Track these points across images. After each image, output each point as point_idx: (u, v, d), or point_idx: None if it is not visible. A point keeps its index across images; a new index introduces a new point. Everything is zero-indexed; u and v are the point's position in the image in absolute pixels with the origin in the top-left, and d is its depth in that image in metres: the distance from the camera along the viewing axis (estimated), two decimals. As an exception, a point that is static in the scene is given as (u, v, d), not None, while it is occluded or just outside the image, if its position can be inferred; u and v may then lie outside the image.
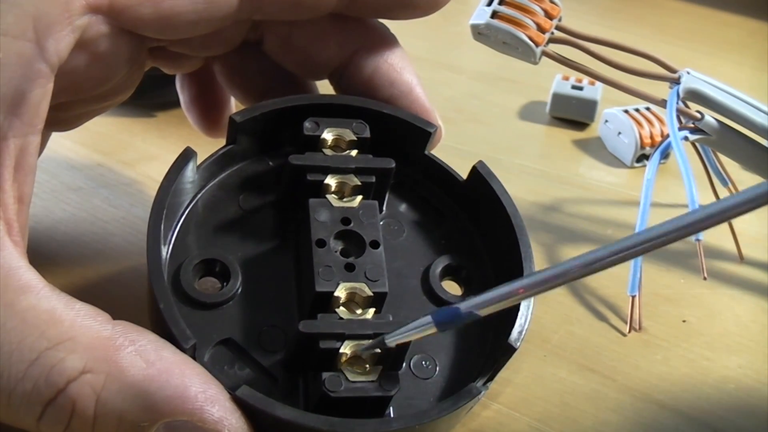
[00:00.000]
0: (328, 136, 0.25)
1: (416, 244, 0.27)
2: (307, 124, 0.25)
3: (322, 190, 0.25)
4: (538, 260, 0.35)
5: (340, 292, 0.23)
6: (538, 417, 0.27)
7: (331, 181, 0.25)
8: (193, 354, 0.21)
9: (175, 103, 0.34)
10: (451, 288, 0.26)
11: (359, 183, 0.25)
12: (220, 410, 0.20)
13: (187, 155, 0.24)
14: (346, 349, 0.22)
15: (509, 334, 0.24)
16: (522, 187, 0.40)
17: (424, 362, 0.24)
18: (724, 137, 0.33)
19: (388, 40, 0.28)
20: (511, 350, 0.23)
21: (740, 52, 0.61)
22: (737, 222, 0.36)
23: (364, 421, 0.21)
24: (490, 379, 0.24)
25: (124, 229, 0.34)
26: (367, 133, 0.26)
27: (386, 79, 0.27)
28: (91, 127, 0.30)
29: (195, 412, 0.20)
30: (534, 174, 0.42)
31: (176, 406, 0.20)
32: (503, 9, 0.32)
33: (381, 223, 0.25)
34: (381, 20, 0.28)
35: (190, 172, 0.25)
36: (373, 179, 0.25)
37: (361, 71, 0.27)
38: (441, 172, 0.27)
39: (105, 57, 0.24)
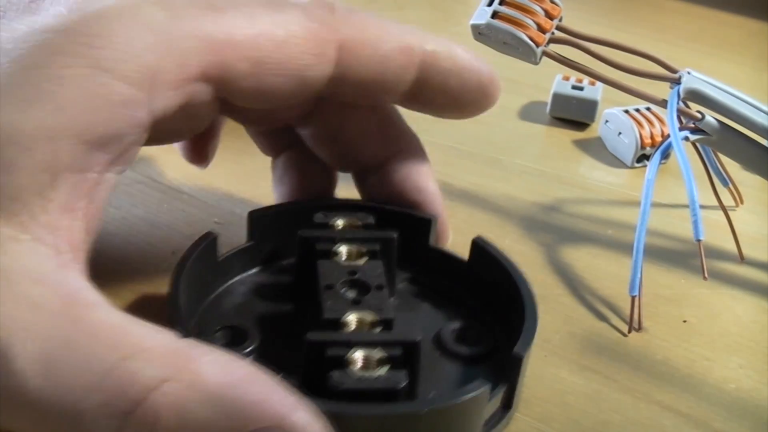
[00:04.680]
0: (337, 223, 0.28)
1: (425, 317, 0.28)
2: (318, 215, 0.28)
3: (330, 256, 0.27)
4: (538, 260, 0.35)
5: (348, 319, 0.24)
6: (539, 417, 0.27)
7: (339, 249, 0.27)
8: None
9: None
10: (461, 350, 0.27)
11: (365, 250, 0.27)
12: (305, 415, 0.19)
13: (208, 238, 0.27)
14: (354, 355, 0.22)
15: (515, 343, 0.25)
16: (522, 187, 0.40)
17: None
18: (725, 137, 0.33)
19: (420, 150, 0.31)
20: (517, 360, 0.24)
21: (740, 52, 0.61)
22: (737, 222, 0.36)
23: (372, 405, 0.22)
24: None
25: (124, 229, 0.34)
26: (371, 220, 0.28)
27: (415, 186, 0.30)
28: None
29: (284, 416, 0.19)
30: (534, 174, 0.42)
31: (262, 411, 0.19)
32: (504, 9, 0.32)
33: (390, 300, 0.27)
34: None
35: (209, 258, 0.27)
36: (378, 247, 0.27)
37: (393, 174, 0.30)
38: (445, 260, 0.30)
39: (195, 118, 0.25)
